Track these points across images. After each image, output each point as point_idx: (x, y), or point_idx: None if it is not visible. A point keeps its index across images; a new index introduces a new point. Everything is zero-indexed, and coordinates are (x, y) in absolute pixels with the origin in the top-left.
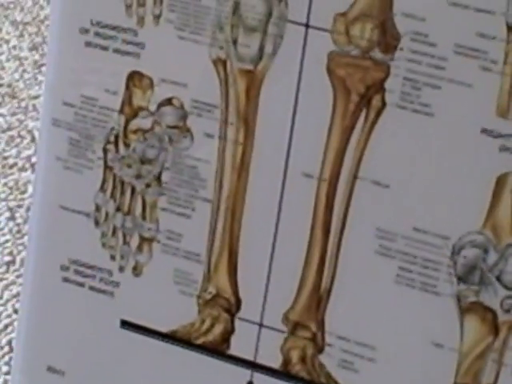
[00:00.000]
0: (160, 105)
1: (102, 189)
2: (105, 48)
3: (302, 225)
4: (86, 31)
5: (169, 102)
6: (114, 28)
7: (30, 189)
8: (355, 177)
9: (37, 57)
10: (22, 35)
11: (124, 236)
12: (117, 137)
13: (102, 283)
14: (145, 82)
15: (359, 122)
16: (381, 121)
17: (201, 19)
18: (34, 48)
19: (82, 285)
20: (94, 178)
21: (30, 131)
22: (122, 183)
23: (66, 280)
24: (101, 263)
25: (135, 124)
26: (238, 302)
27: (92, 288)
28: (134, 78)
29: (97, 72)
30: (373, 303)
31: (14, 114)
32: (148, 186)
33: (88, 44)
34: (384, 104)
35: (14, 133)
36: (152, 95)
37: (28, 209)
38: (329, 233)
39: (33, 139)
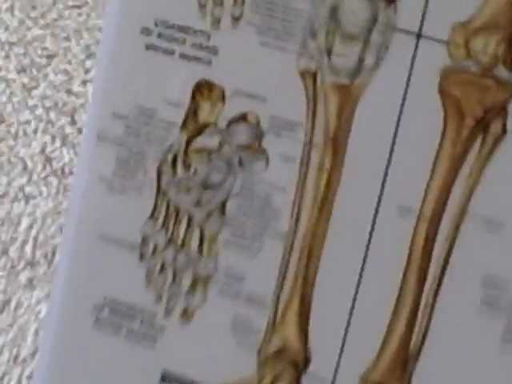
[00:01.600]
0: (231, 121)
1: (153, 217)
2: (170, 52)
3: (394, 269)
4: (149, 32)
5: (243, 117)
6: (182, 29)
7: (24, 222)
8: (463, 213)
9: (25, 79)
10: (7, 56)
11: (174, 273)
12: (175, 156)
13: (143, 327)
14: (215, 94)
15: (473, 150)
16: (499, 150)
17: (290, 23)
18: (22, 70)
19: (118, 328)
20: (143, 204)
21: (21, 158)
22: (177, 211)
23: (98, 322)
24: (143, 305)
25: (199, 142)
26: (307, 356)
27: (130, 332)
28: (202, 88)
29: (158, 79)
30: (473, 364)
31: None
32: (209, 215)
33: (150, 47)
34: (505, 131)
35: (3, 159)
36: (222, 109)
37: (22, 245)
38: (425, 279)
39: (25, 167)
